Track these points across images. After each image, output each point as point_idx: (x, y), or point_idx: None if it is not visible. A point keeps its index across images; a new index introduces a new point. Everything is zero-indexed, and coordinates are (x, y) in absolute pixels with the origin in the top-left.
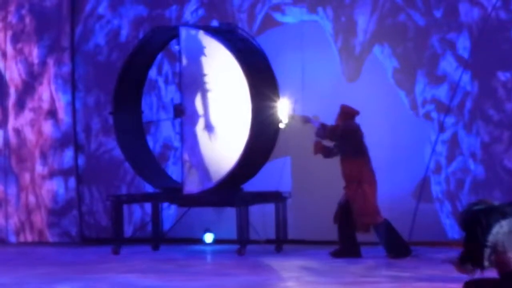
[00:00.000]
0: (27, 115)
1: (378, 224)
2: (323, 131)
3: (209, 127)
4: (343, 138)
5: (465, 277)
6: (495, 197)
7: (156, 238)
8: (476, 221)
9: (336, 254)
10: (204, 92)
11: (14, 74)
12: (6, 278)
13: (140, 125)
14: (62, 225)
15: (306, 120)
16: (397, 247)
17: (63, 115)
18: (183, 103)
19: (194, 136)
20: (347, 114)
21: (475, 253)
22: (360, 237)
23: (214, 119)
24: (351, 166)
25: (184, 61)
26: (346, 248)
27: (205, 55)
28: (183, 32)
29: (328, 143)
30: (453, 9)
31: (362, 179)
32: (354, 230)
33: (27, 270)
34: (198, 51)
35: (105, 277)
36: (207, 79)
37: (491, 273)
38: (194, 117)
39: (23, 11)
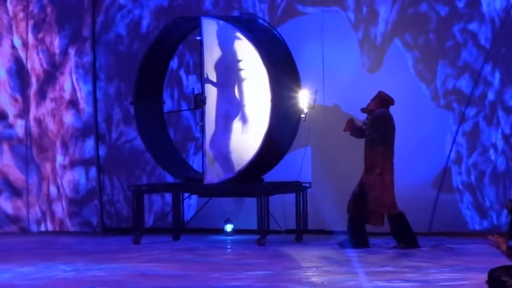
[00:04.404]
0: (48, 104)
1: (394, 215)
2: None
3: (230, 117)
4: (374, 124)
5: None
6: None
7: (177, 228)
8: None
9: (344, 244)
10: (226, 82)
11: (36, 63)
12: (28, 267)
13: (161, 115)
14: (83, 215)
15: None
16: (407, 238)
17: (84, 105)
18: (204, 93)
19: (215, 126)
20: (383, 101)
21: None
22: (369, 227)
23: (236, 109)
24: (376, 154)
25: (208, 50)
26: (354, 238)
27: (229, 45)
28: (205, 22)
29: (359, 122)
30: (475, 0)
31: (383, 169)
32: (365, 221)
33: (48, 259)
34: (221, 41)
35: (126, 266)
36: (229, 69)
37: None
38: (216, 107)
39: (45, 1)
